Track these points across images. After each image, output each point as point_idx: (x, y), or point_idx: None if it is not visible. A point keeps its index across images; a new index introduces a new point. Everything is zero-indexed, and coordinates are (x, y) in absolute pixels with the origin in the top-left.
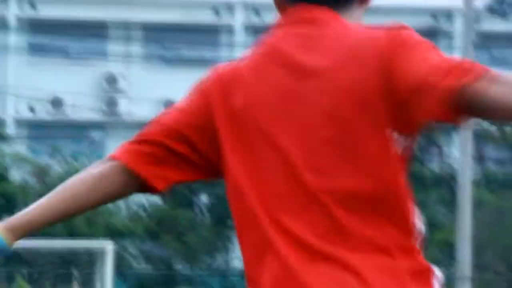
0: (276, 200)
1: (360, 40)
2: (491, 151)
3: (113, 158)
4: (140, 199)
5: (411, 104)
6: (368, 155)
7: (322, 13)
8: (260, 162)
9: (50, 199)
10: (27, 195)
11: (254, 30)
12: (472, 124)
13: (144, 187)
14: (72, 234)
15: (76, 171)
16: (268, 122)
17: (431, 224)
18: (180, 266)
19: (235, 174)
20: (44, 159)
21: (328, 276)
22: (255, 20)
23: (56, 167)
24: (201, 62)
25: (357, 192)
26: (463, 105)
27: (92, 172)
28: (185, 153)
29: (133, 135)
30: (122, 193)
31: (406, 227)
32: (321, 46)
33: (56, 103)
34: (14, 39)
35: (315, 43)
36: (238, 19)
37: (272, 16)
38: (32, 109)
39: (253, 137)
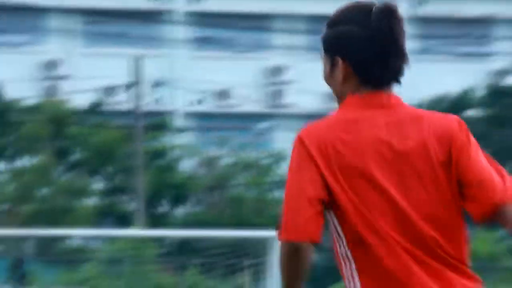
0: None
1: (439, 124)
2: None
3: (300, 240)
4: None
5: (469, 195)
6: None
7: (396, 99)
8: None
9: None
10: (196, 186)
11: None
12: None
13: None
14: (241, 224)
15: (243, 162)
16: (377, 177)
17: None
18: None
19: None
20: (212, 150)
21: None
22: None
23: (224, 158)
24: None
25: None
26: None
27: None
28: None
29: (298, 126)
30: None
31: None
32: (405, 128)
33: (223, 95)
34: (182, 32)
35: (400, 126)
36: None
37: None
38: (200, 101)
39: (363, 190)
